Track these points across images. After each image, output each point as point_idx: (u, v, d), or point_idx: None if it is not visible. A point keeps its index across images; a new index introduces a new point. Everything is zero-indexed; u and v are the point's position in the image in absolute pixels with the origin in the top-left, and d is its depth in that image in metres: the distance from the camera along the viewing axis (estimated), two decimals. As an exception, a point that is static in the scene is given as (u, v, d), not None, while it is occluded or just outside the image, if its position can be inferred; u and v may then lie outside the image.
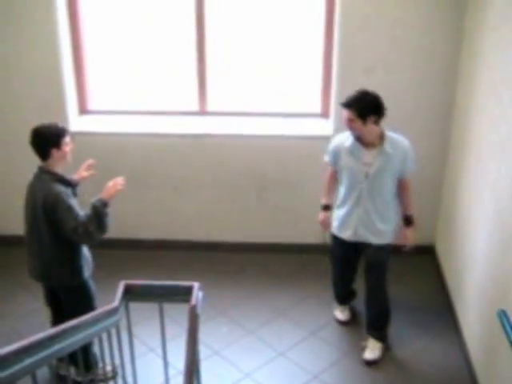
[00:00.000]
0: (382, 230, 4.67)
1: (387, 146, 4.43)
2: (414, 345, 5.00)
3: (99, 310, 3.47)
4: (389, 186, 4.57)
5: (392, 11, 5.28)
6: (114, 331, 3.70)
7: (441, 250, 5.89)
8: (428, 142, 5.71)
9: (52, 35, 5.52)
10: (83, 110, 6.00)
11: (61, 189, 4.07)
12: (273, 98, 6.01)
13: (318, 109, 5.90)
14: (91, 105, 6.06)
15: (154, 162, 5.94)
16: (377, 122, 4.38)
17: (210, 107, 5.97)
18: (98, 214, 3.96)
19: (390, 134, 4.49)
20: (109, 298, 3.79)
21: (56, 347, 3.08)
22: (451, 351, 4.91)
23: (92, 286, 4.40)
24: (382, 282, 4.85)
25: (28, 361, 2.88)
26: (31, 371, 2.95)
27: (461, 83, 5.35)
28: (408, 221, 4.79)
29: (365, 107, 4.30)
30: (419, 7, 5.27)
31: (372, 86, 5.45)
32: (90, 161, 4.59)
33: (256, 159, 5.80)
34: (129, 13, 5.83)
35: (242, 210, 6.08)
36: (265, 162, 5.84)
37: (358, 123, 4.32)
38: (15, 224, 6.17)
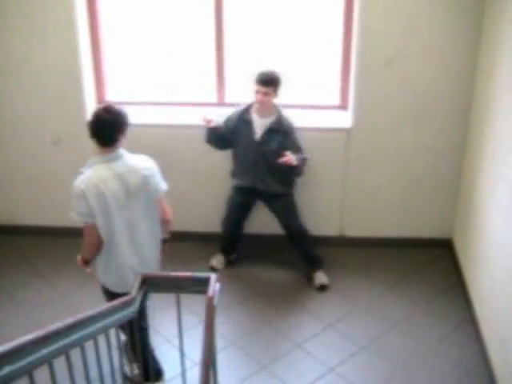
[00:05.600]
0: None
1: None
2: (430, 338, 4.97)
3: (116, 301, 3.47)
4: None
5: (411, 2, 5.24)
6: (131, 322, 3.71)
7: (458, 244, 5.85)
8: (446, 136, 5.67)
9: (70, 26, 5.52)
10: (101, 100, 5.99)
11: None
12: (291, 89, 5.98)
13: (336, 101, 5.87)
14: (109, 95, 6.06)
15: (171, 153, 5.92)
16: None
17: (228, 98, 5.96)
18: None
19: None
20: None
21: (73, 337, 3.08)
22: (468, 345, 4.88)
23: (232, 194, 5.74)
24: None
25: (45, 350, 2.89)
26: (48, 361, 2.96)
27: (480, 75, 5.30)
28: None
29: None
30: (439, -2, 5.24)
31: (390, 78, 5.46)
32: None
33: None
34: (147, 3, 5.83)
35: (258, 202, 6.06)
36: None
37: None
38: (32, 214, 6.24)
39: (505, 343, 4.25)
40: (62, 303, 5.32)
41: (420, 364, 4.72)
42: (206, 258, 5.91)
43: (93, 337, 3.30)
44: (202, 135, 5.63)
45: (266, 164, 5.35)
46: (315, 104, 5.95)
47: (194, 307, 4.45)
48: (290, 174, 5.40)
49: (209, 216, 6.18)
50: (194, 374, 4.04)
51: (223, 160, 5.90)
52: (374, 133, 5.70)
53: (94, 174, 3.88)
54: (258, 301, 5.44)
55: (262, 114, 5.33)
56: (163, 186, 4.21)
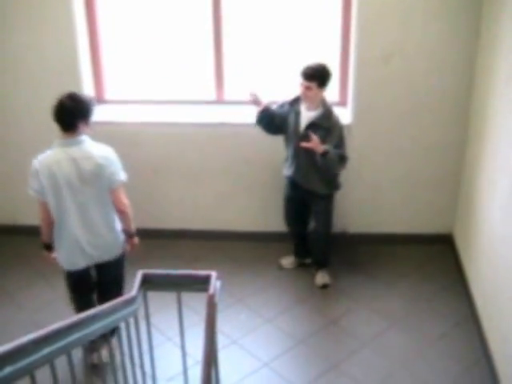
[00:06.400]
0: None
1: None
2: (431, 334, 4.97)
3: (117, 300, 3.47)
4: None
5: (410, -2, 5.24)
6: (132, 321, 3.70)
7: (459, 239, 5.84)
8: (446, 131, 5.66)
9: (69, 25, 5.52)
10: (100, 99, 5.99)
11: None
12: (290, 86, 5.98)
13: (335, 97, 5.86)
14: (108, 94, 6.06)
15: (171, 151, 5.93)
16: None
17: (227, 96, 5.95)
18: None
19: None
20: (128, 287, 3.79)
21: (74, 336, 3.08)
22: (469, 342, 4.87)
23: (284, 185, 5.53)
24: None
25: (46, 350, 2.89)
26: (50, 360, 2.95)
27: (479, 71, 5.29)
28: None
29: None
30: (438, -6, 5.22)
31: (389, 75, 5.45)
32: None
33: (273, 148, 5.76)
34: (145, 1, 5.82)
35: (259, 200, 6.06)
36: (282, 150, 5.80)
37: None
38: (33, 214, 6.22)
39: (507, 339, 4.24)
40: (63, 304, 5.30)
41: (421, 360, 4.71)
42: (207, 255, 5.91)
43: (94, 336, 3.31)
44: (202, 133, 5.66)
45: (306, 158, 5.13)
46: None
47: (194, 305, 4.45)
48: (326, 168, 5.12)
49: (208, 212, 6.18)
50: (196, 372, 4.03)
51: (223, 158, 5.90)
52: (374, 129, 5.69)
53: (50, 155, 4.15)
54: (259, 298, 5.44)
55: (307, 107, 5.14)
56: (120, 177, 4.29)
